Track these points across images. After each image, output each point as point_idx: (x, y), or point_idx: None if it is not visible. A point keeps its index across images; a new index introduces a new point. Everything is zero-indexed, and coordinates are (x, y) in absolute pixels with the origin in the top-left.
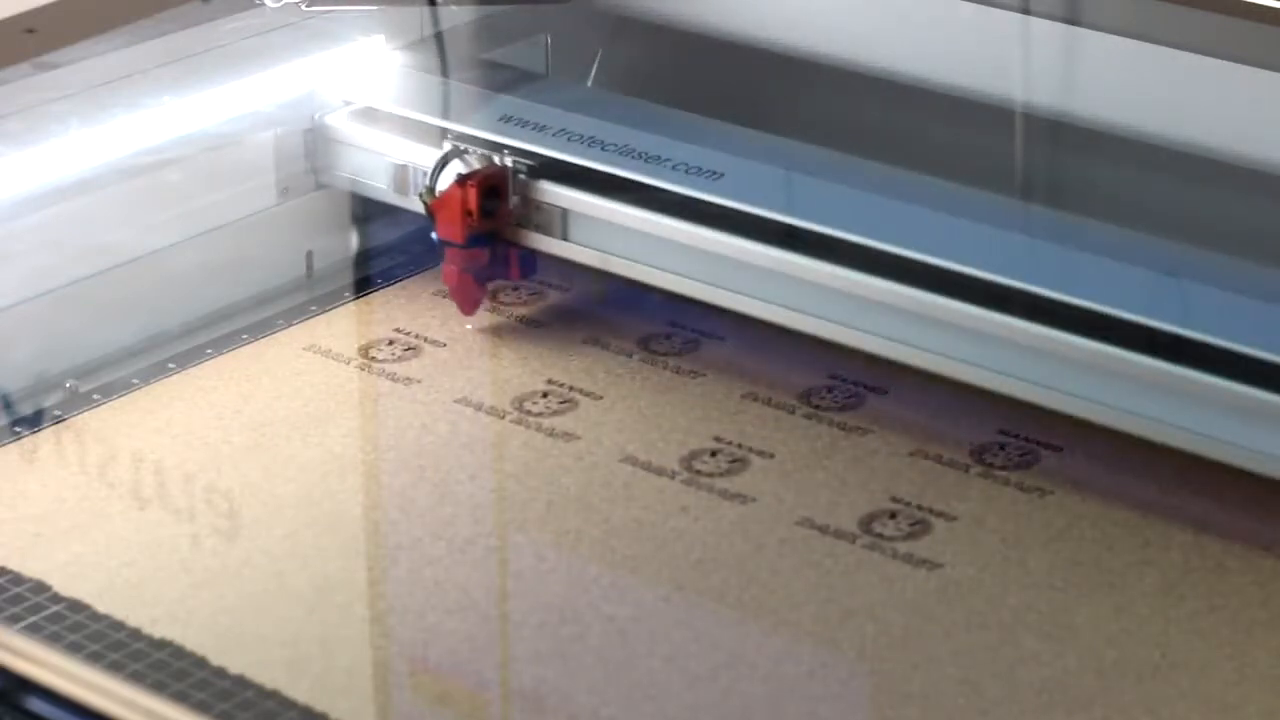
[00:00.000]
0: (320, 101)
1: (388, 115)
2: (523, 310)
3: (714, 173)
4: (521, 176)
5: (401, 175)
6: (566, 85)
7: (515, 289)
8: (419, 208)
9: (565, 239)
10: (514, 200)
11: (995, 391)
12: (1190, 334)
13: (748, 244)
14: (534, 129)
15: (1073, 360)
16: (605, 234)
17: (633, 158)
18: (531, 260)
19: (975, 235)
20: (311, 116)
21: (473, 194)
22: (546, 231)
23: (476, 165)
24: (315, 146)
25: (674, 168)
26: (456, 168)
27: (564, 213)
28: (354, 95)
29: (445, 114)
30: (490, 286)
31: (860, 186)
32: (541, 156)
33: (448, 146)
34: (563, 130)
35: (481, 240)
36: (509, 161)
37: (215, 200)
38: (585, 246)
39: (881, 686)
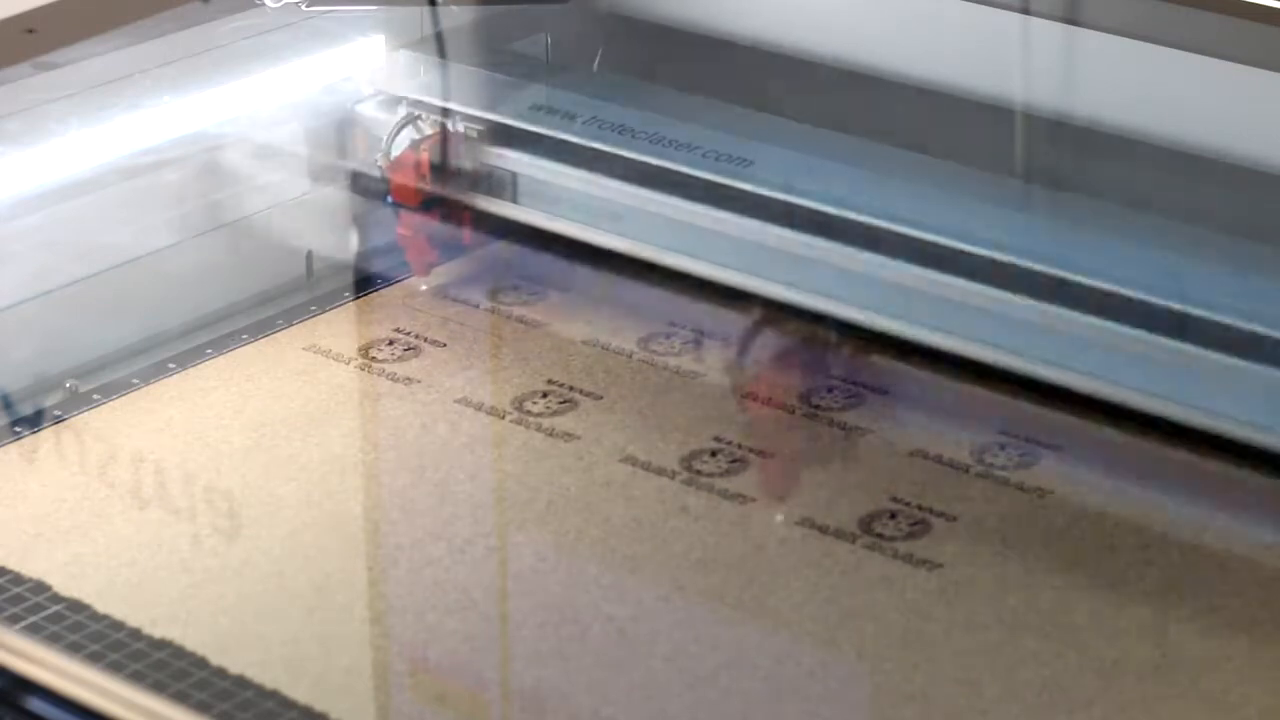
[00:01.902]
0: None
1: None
2: (523, 310)
3: (673, 141)
4: (474, 141)
5: (354, 139)
6: (595, 74)
7: (515, 289)
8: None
9: (515, 202)
10: (466, 165)
11: (1000, 367)
12: (1191, 310)
13: (691, 206)
14: (564, 117)
15: (1076, 337)
16: (554, 198)
17: (666, 146)
18: (484, 223)
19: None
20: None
21: (425, 158)
22: (497, 195)
23: (429, 130)
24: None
25: (704, 155)
26: (410, 133)
27: (514, 176)
28: (382, 86)
29: (475, 101)
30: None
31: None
32: (493, 122)
33: (402, 112)
34: (594, 118)
35: (434, 204)
36: (461, 127)
37: (217, 200)
38: (534, 209)
39: (881, 686)
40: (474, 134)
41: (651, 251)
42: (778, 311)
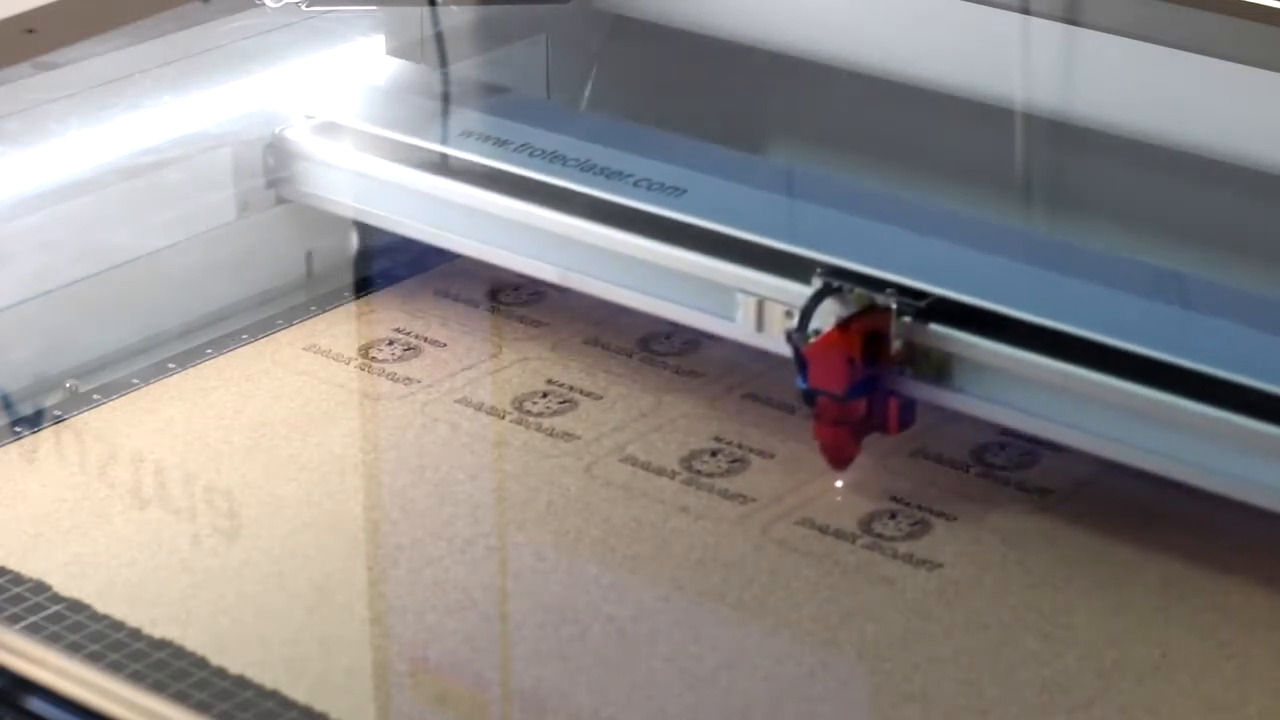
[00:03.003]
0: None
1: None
2: (523, 310)
3: None
4: (906, 319)
5: (759, 310)
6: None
7: (515, 289)
8: (772, 344)
9: (954, 389)
10: (896, 345)
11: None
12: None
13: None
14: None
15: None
16: (1001, 384)
17: (593, 173)
18: (911, 410)
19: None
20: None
21: (856, 340)
22: (932, 380)
23: (854, 305)
24: None
25: (636, 184)
26: (832, 307)
27: (951, 358)
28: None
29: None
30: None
31: None
32: (929, 295)
33: (818, 283)
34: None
35: (860, 390)
36: (893, 303)
37: (215, 200)
38: (977, 397)
39: (881, 686)
40: (908, 310)
41: None
42: None
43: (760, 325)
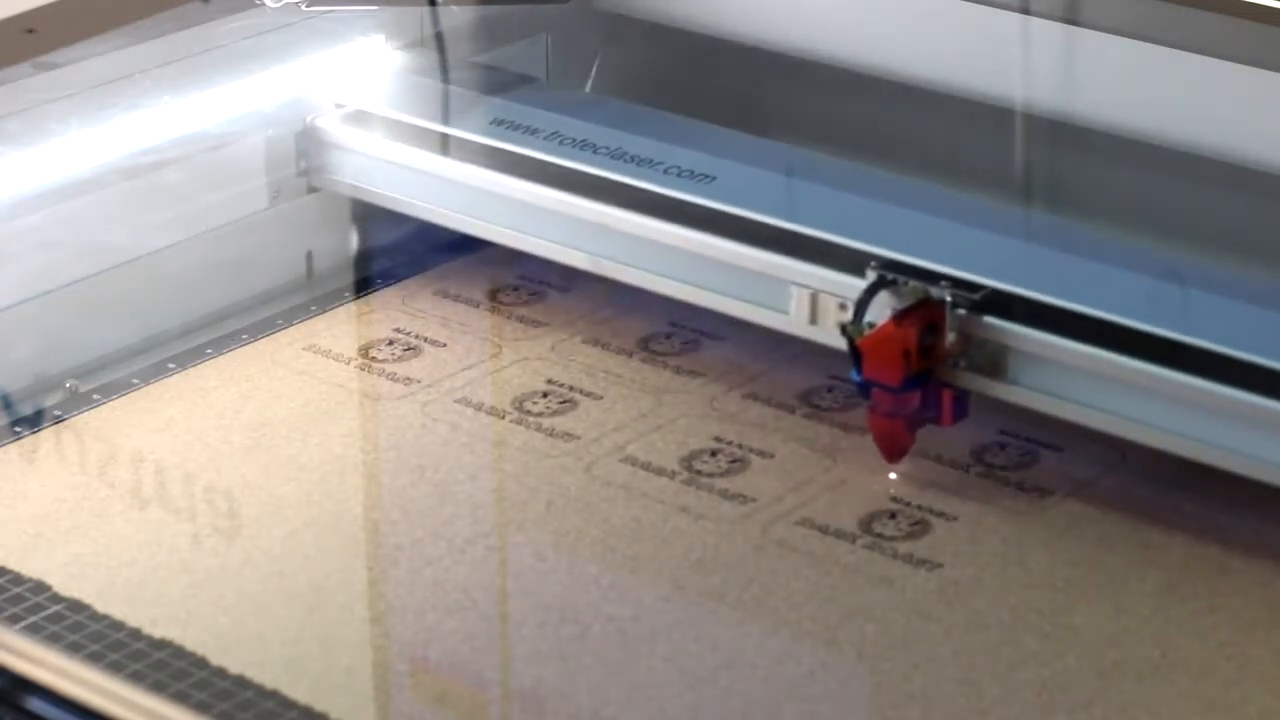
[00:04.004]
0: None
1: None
2: (523, 310)
3: None
4: (961, 311)
5: (812, 302)
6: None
7: (515, 289)
8: (818, 334)
9: (1008, 381)
10: (950, 337)
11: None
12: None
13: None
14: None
15: (1071, 366)
16: (1056, 376)
17: (625, 160)
18: (965, 402)
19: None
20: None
21: (912, 333)
22: (986, 372)
23: (909, 298)
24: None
25: (666, 172)
26: (886, 300)
27: (1006, 350)
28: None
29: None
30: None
31: None
32: (985, 288)
33: (873, 276)
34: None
35: (915, 382)
36: (947, 296)
37: (214, 200)
38: (1032, 390)
39: (881, 686)
40: (963, 303)
41: None
42: None
43: (814, 318)
